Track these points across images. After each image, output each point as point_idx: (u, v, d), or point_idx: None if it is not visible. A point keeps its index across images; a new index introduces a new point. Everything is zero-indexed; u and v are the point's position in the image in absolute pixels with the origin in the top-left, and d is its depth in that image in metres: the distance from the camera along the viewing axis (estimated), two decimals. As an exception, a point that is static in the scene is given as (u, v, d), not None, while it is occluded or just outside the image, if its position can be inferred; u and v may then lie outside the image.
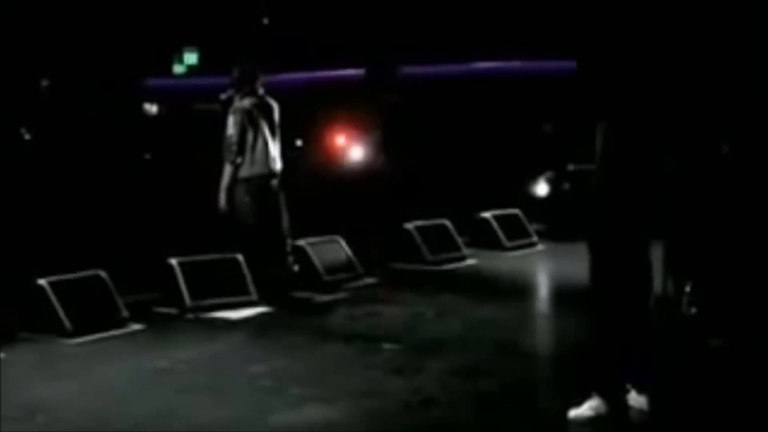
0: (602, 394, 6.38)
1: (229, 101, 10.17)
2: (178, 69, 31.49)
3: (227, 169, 10.02)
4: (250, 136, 9.99)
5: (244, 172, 10.01)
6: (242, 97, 10.11)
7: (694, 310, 7.60)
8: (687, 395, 6.61)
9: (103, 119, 20.11)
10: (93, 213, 14.19)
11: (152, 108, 26.25)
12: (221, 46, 28.18)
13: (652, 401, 6.34)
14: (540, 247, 13.35)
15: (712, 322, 7.53)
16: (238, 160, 9.98)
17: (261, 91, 10.21)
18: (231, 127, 10.00)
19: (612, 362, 6.40)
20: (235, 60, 10.73)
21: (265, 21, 29.55)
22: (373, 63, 26.26)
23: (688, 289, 7.58)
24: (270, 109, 10.21)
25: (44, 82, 21.21)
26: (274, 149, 10.14)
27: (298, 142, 23.43)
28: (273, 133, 10.16)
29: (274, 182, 10.13)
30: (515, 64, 24.92)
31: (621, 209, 6.25)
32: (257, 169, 10.02)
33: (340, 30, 26.39)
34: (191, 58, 31.42)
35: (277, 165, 10.16)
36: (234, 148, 9.97)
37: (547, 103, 21.33)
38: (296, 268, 10.32)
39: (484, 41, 24.70)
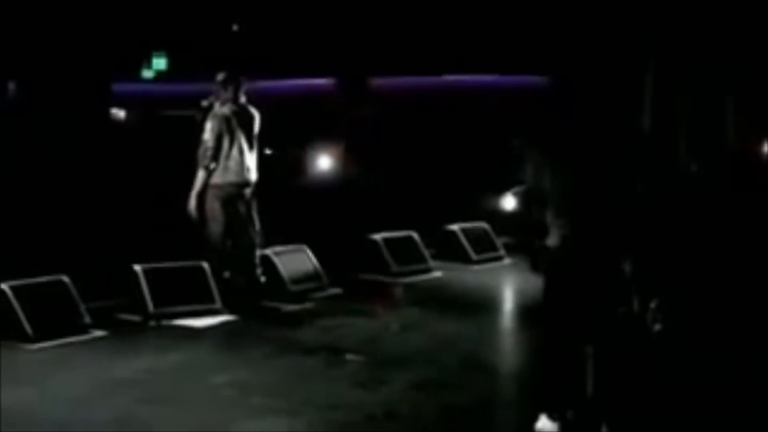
0: (550, 414, 6.38)
1: (210, 108, 10.08)
2: (146, 74, 31.37)
3: (200, 174, 9.92)
4: (225, 143, 9.90)
5: (216, 179, 9.92)
6: (222, 104, 10.04)
7: (658, 326, 7.61)
8: (649, 411, 6.61)
9: (68, 122, 19.96)
10: (56, 217, 14.06)
11: (120, 113, 26.09)
12: (190, 52, 28.09)
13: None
14: (507, 260, 13.35)
15: (677, 338, 7.55)
16: (212, 165, 9.91)
17: (243, 99, 10.15)
18: (207, 133, 9.91)
19: (560, 382, 6.42)
20: (204, 65, 10.66)
21: (235, 27, 29.47)
22: (344, 73, 26.25)
23: (653, 305, 7.59)
24: (250, 118, 10.12)
25: (11, 85, 21.00)
26: (250, 159, 10.06)
27: (268, 151, 23.35)
28: (250, 143, 10.08)
29: (248, 191, 10.07)
30: (485, 78, 24.98)
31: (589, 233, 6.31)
32: (230, 177, 9.95)
33: (312, 39, 26.36)
34: (160, 63, 31.31)
35: (252, 175, 10.07)
36: (208, 153, 9.88)
37: (516, 117, 21.38)
38: (263, 279, 10.24)
39: (456, 55, 24.74)
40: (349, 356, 8.36)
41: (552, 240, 6.45)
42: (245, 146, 10.00)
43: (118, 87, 24.07)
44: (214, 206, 9.93)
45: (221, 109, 10.00)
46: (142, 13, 24.94)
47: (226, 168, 9.92)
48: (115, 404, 7.03)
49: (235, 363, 8.22)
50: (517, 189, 15.00)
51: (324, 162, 21.72)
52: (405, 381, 7.66)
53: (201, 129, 10.01)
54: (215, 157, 9.89)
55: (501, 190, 15.13)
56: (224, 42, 27.89)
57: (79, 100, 20.26)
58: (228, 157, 9.92)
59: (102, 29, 20.94)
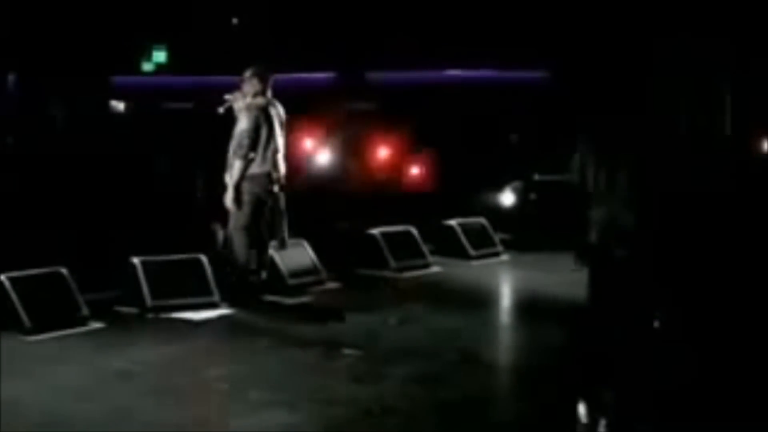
0: (587, 401, 6.43)
1: (229, 109, 9.99)
2: (146, 67, 31.33)
3: (237, 165, 9.79)
4: (264, 134, 9.83)
5: (254, 169, 9.83)
6: (254, 97, 9.92)
7: (656, 323, 7.63)
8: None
9: (69, 115, 19.96)
10: (56, 209, 14.05)
11: (119, 105, 26.07)
12: (190, 45, 28.07)
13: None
14: (505, 256, 13.34)
15: (677, 334, 7.55)
16: (251, 155, 9.80)
17: (270, 93, 10.06)
18: (245, 123, 9.80)
19: (595, 370, 6.48)
20: (204, 59, 10.66)
21: (234, 21, 29.45)
22: (343, 67, 26.22)
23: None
24: (279, 112, 10.08)
25: (11, 76, 20.99)
26: (281, 150, 10.00)
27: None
28: (281, 136, 10.03)
29: (280, 183, 9.99)
30: (484, 73, 24.94)
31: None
32: (267, 167, 9.87)
33: (311, 33, 26.33)
34: (160, 56, 31.26)
35: (282, 167, 10.02)
36: (245, 142, 9.75)
37: (514, 112, 21.37)
38: (264, 274, 10.17)
39: (455, 49, 24.70)
40: (347, 350, 8.36)
41: (592, 235, 6.53)
42: (279, 138, 9.97)
43: (118, 80, 24.08)
44: (245, 198, 9.83)
45: (255, 101, 9.92)
46: (143, 6, 24.93)
47: (264, 158, 9.85)
48: (112, 396, 7.04)
49: (232, 356, 8.22)
50: (515, 184, 15.02)
51: (323, 157, 21.69)
52: (403, 375, 7.66)
53: (225, 124, 9.92)
54: (253, 147, 9.80)
55: (499, 186, 15.13)
56: (224, 35, 27.88)
57: (79, 92, 20.26)
58: (266, 148, 9.85)
59: (102, 22, 20.95)
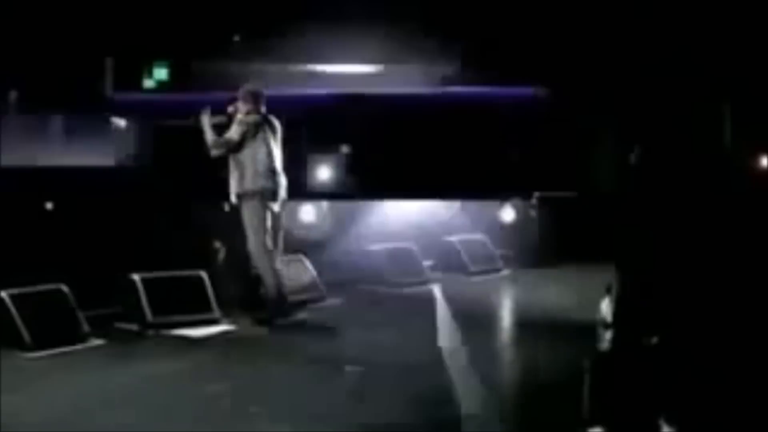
0: (606, 424, 6.40)
1: (230, 119, 10.08)
2: (147, 84, 31.33)
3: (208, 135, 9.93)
4: (250, 150, 9.89)
5: (249, 185, 9.87)
6: (247, 114, 10.03)
7: (655, 339, 7.61)
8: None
9: (69, 130, 19.96)
10: (55, 225, 14.04)
11: (120, 122, 26.09)
12: (192, 62, 28.07)
13: None
14: (504, 272, 13.36)
15: (674, 349, 7.54)
16: (217, 154, 9.87)
17: (263, 109, 10.14)
18: (233, 134, 9.91)
19: (618, 392, 6.46)
20: (208, 76, 10.74)
21: (236, 38, 29.50)
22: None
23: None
24: (274, 128, 10.16)
25: (12, 94, 21.00)
26: (278, 165, 10.05)
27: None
28: (276, 151, 10.08)
29: (277, 201, 10.01)
30: (483, 89, 24.94)
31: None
32: (261, 182, 9.89)
33: (312, 49, 26.35)
34: (161, 73, 31.26)
35: (282, 179, 10.05)
36: (222, 142, 9.88)
37: (514, 128, 21.34)
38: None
39: (455, 65, 24.70)
40: (348, 367, 8.36)
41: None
42: (274, 151, 10.01)
43: (119, 97, 24.11)
44: (258, 214, 9.85)
45: (247, 117, 10.00)
46: (144, 23, 24.97)
47: (255, 174, 9.89)
48: (112, 413, 7.03)
49: (232, 372, 8.22)
50: (515, 200, 15.02)
51: (323, 172, 21.67)
52: (404, 392, 7.65)
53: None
54: (232, 150, 9.87)
55: (499, 202, 15.12)
56: (226, 52, 27.89)
57: (79, 109, 20.28)
58: (255, 162, 9.90)
59: (103, 39, 20.98)
